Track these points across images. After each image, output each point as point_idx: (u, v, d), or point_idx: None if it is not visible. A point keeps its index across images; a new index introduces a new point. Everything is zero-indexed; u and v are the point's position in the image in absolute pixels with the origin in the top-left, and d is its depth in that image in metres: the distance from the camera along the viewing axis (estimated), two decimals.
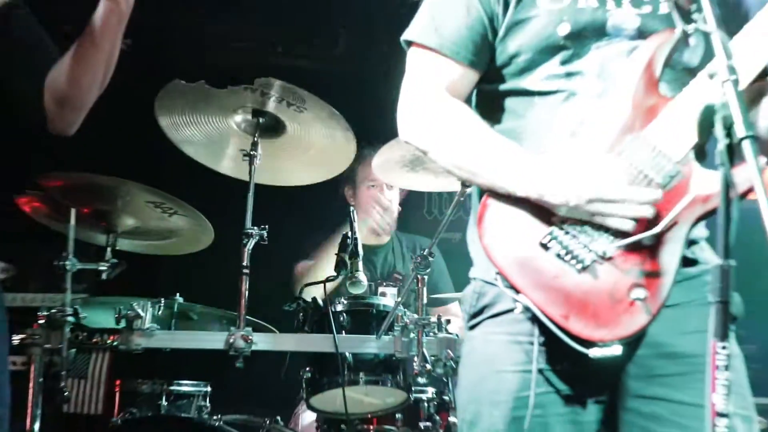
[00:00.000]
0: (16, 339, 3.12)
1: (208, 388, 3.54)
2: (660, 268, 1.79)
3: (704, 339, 1.49)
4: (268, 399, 3.77)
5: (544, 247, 1.80)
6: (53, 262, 3.20)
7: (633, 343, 1.85)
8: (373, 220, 4.37)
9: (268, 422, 3.38)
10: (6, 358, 2.31)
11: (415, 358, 3.19)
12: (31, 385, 3.11)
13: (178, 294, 3.47)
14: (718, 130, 1.52)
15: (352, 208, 3.50)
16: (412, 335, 3.19)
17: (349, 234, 3.30)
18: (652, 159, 1.80)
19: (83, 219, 3.26)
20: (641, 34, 1.91)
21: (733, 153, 1.49)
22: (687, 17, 1.79)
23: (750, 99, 1.95)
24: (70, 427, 3.49)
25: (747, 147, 1.46)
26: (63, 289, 3.15)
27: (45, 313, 3.15)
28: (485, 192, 1.90)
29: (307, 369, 3.32)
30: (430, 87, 1.99)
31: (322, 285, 3.36)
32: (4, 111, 2.41)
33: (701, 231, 1.87)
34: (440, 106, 1.96)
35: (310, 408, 3.37)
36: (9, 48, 2.28)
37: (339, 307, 3.31)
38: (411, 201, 4.77)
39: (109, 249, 3.34)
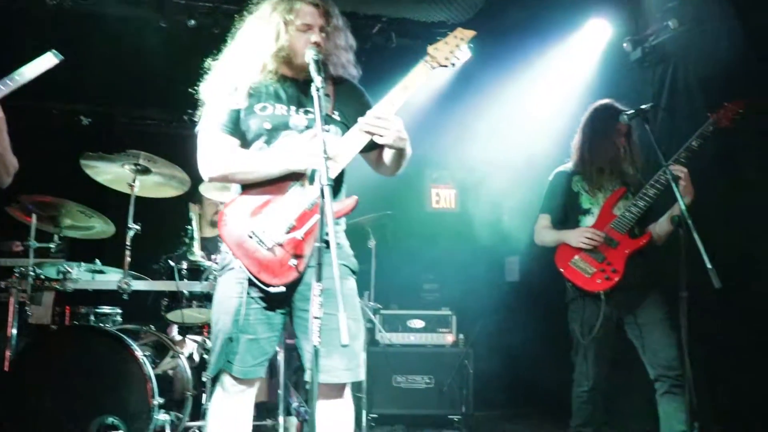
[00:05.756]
0: (2, 284, 4.11)
1: (119, 310, 4.46)
2: (304, 251, 2.41)
3: (331, 282, 2.06)
4: (146, 316, 4.75)
5: (249, 236, 2.41)
6: (23, 242, 4.28)
7: (295, 284, 2.44)
8: (213, 218, 5.26)
9: (145, 328, 4.46)
10: None
11: None
12: (10, 309, 4.01)
13: (97, 259, 4.55)
14: (320, 180, 2.06)
15: (191, 214, 4.82)
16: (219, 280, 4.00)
17: (189, 227, 4.75)
18: (305, 190, 2.43)
19: (41, 219, 4.37)
20: (307, 128, 2.55)
21: (324, 193, 2.05)
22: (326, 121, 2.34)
23: (376, 158, 2.67)
24: (32, 332, 4.29)
25: (327, 191, 2.08)
26: (28, 256, 4.15)
27: (18, 270, 4.15)
28: (226, 206, 2.41)
29: (165, 299, 4.59)
30: (218, 146, 2.52)
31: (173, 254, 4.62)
32: None
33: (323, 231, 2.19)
34: (226, 151, 2.52)
35: (167, 320, 4.56)
36: None
37: (183, 266, 4.53)
38: None
39: (56, 236, 4.46)
